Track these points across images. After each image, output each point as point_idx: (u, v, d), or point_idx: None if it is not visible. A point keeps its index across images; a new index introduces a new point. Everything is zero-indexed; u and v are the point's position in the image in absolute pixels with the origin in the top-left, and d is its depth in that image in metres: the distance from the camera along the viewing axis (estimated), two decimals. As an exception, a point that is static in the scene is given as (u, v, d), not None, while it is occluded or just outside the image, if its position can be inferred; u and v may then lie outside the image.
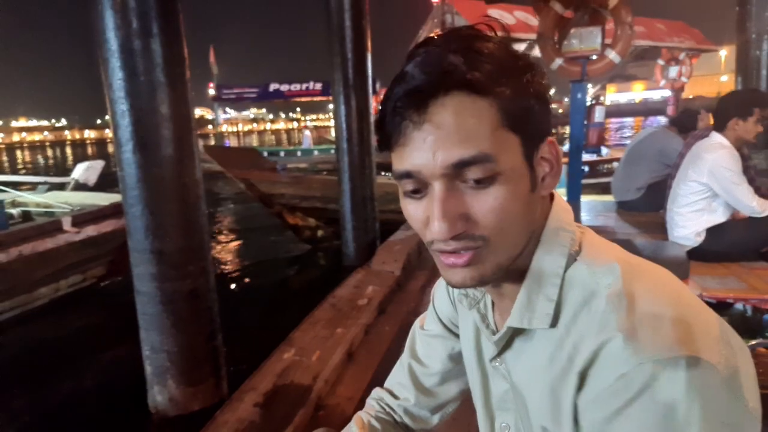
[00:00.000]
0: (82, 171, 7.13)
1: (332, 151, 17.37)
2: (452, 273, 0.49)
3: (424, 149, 0.45)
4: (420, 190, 0.48)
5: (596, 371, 0.44)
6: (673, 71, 12.16)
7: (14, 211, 4.99)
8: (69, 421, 2.80)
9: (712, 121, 2.52)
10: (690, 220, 2.49)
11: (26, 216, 5.09)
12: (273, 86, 20.17)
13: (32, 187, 6.90)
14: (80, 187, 6.87)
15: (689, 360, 0.41)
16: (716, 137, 2.42)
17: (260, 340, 2.96)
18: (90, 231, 4.23)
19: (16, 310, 4.05)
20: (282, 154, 17.56)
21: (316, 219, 6.29)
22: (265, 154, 15.84)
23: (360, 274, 3.35)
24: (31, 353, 3.65)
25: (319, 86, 20.47)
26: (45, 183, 6.91)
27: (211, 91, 16.29)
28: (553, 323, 0.49)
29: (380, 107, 0.48)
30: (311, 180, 6.71)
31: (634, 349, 0.42)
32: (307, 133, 19.65)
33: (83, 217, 4.31)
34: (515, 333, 0.54)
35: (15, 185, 6.07)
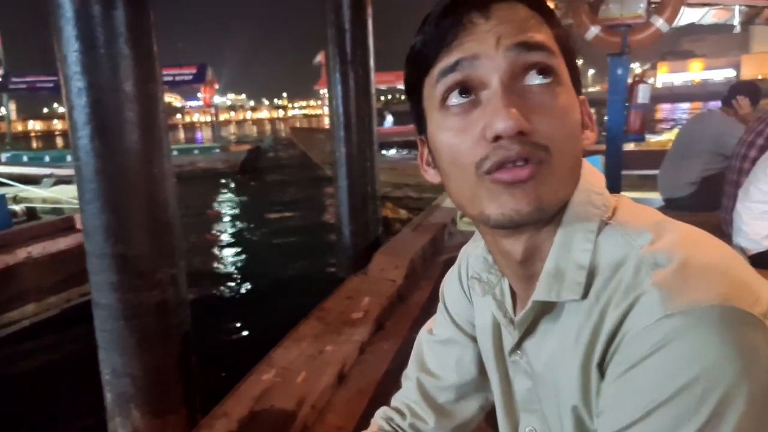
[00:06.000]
0: None
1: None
2: (510, 193, 0.48)
3: (487, 38, 0.48)
4: (469, 92, 0.49)
5: (624, 327, 0.46)
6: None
7: (17, 208, 5.01)
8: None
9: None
10: (759, 219, 2.39)
11: (31, 213, 5.14)
12: None
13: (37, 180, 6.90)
14: None
15: (726, 310, 0.41)
16: None
17: (239, 362, 2.93)
18: None
19: (25, 321, 3.96)
20: (47, 158, 15.84)
21: (408, 210, 6.48)
22: (25, 159, 15.06)
23: (354, 283, 3.33)
24: (30, 372, 3.62)
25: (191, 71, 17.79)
26: (51, 176, 6.93)
27: None
28: (585, 293, 0.50)
29: (425, 21, 0.52)
30: (405, 166, 6.88)
31: (663, 301, 0.43)
32: None
33: None
34: (541, 313, 0.55)
35: (16, 179, 6.19)
